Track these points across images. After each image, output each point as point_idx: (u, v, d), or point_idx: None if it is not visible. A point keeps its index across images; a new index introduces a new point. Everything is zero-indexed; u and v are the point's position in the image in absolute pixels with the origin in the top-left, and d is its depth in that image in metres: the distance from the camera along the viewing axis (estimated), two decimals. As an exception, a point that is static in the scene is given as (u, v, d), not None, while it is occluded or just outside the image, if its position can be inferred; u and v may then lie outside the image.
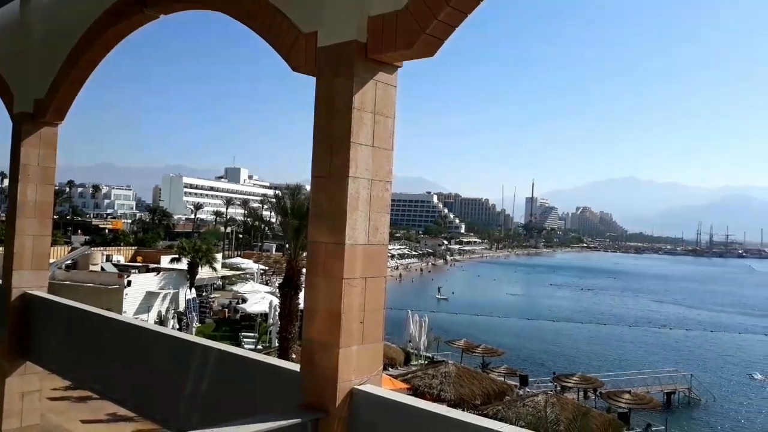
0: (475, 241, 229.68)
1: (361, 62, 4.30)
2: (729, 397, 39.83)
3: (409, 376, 27.42)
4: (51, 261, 14.90)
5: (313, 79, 4.58)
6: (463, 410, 20.03)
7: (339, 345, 4.08)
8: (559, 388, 32.79)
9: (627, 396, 30.18)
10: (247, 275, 63.35)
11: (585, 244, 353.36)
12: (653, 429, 27.74)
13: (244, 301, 45.82)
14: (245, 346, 33.01)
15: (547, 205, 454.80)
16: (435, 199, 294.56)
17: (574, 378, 33.66)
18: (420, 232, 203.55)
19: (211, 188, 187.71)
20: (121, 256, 50.82)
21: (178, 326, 38.05)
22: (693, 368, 43.63)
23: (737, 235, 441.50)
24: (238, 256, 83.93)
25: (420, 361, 38.10)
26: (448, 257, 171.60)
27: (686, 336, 64.09)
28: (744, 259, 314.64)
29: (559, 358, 47.85)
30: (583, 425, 18.07)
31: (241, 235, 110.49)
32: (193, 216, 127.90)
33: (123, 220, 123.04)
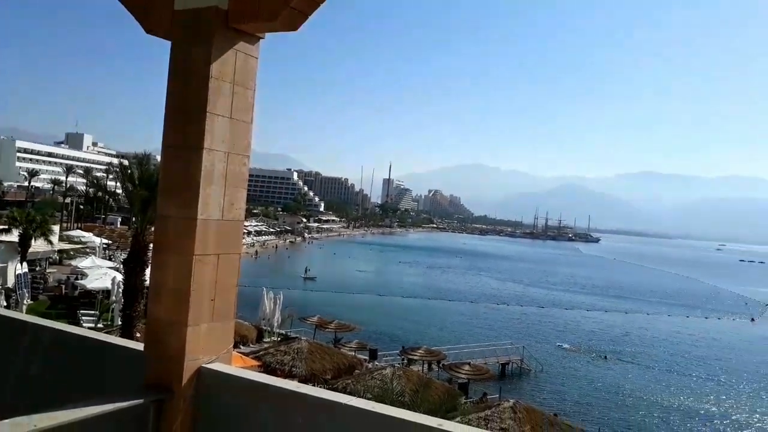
0: (333, 220, 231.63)
1: (221, 30, 4.11)
2: (555, 366, 44.09)
3: (261, 353, 27.24)
4: None
5: (168, 43, 4.32)
6: (314, 385, 20.27)
7: (187, 323, 3.94)
8: (405, 361, 34.32)
9: (467, 368, 32.37)
10: (88, 249, 58.95)
11: (435, 225, 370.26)
12: (488, 397, 29.96)
13: (84, 276, 42.63)
14: (84, 324, 30.95)
15: (402, 186, 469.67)
16: (295, 176, 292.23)
17: (420, 351, 35.42)
18: (279, 209, 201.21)
19: (49, 154, 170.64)
20: (-65, 225, 44.93)
21: (5, 303, 34.64)
22: (526, 341, 47.71)
23: (569, 220, 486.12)
24: (78, 228, 77.68)
25: (273, 338, 37.95)
26: (306, 235, 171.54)
27: (521, 311, 69.82)
28: (573, 242, 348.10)
29: (407, 332, 49.96)
30: (425, 396, 19.07)
31: (82, 206, 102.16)
32: (26, 184, 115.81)
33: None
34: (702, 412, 36.08)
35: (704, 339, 61.02)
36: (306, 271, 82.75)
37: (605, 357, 48.35)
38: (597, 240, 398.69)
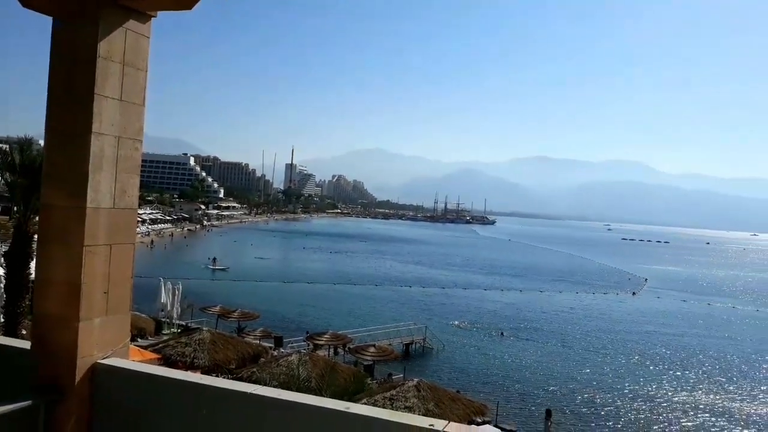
0: (234, 206, 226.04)
1: (109, 7, 3.88)
2: (456, 344, 45.62)
3: (161, 345, 26.27)
4: None
5: (50, 19, 4.02)
6: (218, 376, 19.85)
7: (79, 318, 3.74)
8: (311, 347, 34.32)
9: (372, 349, 32.85)
10: (-39, 242, 54.04)
11: (339, 210, 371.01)
12: (393, 377, 30.60)
13: (-43, 272, 39.11)
14: (-42, 324, 28.39)
15: (305, 172, 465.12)
16: (192, 161, 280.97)
17: (326, 336, 35.54)
18: (175, 195, 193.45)
19: None
20: None
21: None
22: (428, 321, 49.04)
23: (466, 203, 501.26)
24: (-53, 219, 70.87)
25: (173, 330, 36.72)
26: (206, 222, 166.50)
27: (424, 293, 71.61)
28: (470, 225, 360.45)
29: (313, 318, 49.95)
30: (332, 380, 19.18)
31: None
32: None
33: None
34: (594, 381, 38.63)
35: (593, 313, 65.30)
36: (214, 262, 79.74)
37: (502, 334, 50.58)
38: (493, 222, 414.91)
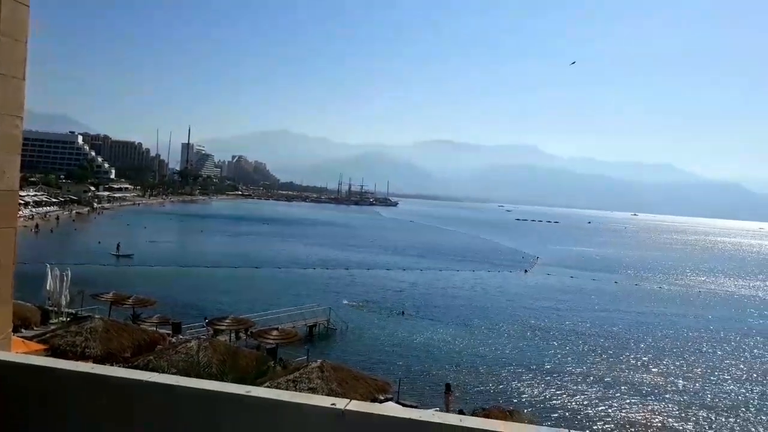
0: (126, 188, 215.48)
1: (-20, -29, 3.57)
2: (359, 325, 46.16)
3: (48, 335, 24.81)
4: None
5: None
6: (111, 365, 19.00)
7: (-48, 308, 3.47)
8: (212, 332, 33.57)
9: (275, 333, 32.60)
10: None
11: (240, 192, 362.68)
12: (296, 360, 30.55)
13: None
14: None
15: (203, 152, 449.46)
16: (80, 140, 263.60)
17: (227, 321, 34.83)
18: (62, 177, 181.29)
19: None
20: None
21: None
22: (332, 302, 49.23)
23: (370, 185, 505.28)
24: None
25: (61, 319, 34.69)
26: (96, 205, 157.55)
27: (327, 274, 71.84)
28: (374, 207, 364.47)
29: (214, 303, 48.77)
30: (234, 365, 18.93)
31: None
32: None
33: None
34: (494, 356, 40.35)
35: (490, 291, 68.17)
36: (117, 248, 75.03)
37: (403, 313, 51.72)
38: (395, 204, 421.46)
